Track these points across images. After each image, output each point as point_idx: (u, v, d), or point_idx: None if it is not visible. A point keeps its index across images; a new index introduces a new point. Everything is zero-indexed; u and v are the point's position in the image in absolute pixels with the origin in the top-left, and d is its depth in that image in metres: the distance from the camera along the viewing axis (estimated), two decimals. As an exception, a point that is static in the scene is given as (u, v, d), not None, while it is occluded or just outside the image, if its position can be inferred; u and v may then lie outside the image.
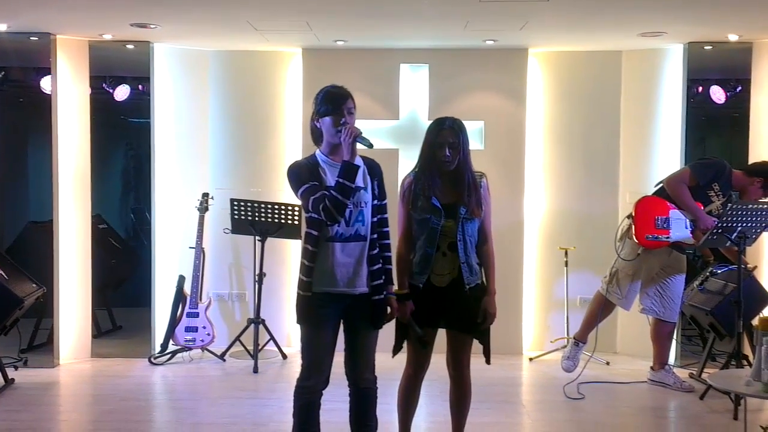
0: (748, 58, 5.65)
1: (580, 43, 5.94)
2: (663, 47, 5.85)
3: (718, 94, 5.92)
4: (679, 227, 4.92)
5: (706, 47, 5.66)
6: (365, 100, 5.96)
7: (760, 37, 5.53)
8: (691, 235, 4.91)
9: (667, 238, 4.92)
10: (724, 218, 4.71)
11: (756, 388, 3.22)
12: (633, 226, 5.03)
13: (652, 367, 5.16)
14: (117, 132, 7.28)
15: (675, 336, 5.61)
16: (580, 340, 5.17)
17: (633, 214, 5.02)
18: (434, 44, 5.96)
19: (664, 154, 5.82)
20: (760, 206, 4.83)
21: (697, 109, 5.83)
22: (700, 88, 5.89)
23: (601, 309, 5.13)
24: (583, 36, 5.67)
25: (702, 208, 4.92)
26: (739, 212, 4.72)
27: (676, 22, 5.11)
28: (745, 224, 4.72)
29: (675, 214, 4.93)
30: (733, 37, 5.48)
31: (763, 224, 4.83)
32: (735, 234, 4.73)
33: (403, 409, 3.63)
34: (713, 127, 6.39)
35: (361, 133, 3.22)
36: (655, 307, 5.04)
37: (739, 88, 5.85)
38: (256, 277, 5.66)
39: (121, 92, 6.13)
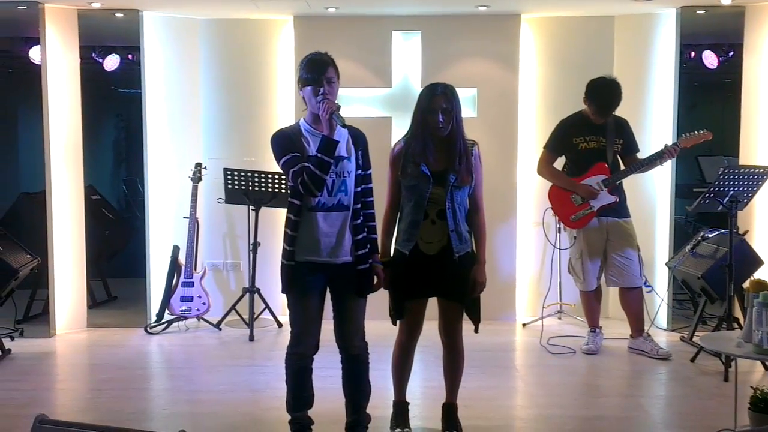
0: (741, 23, 5.63)
1: (572, 9, 5.91)
2: (656, 12, 5.82)
3: (710, 59, 5.90)
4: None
5: (698, 11, 5.63)
6: (357, 68, 5.95)
7: (752, 0, 5.51)
8: (611, 194, 4.94)
9: (591, 209, 4.96)
10: (717, 182, 4.74)
11: (746, 350, 3.26)
12: (556, 217, 5.20)
13: (631, 335, 5.20)
14: (107, 103, 7.23)
15: (668, 301, 5.69)
16: (594, 327, 5.20)
17: (551, 206, 5.13)
18: (426, 11, 5.92)
19: (657, 120, 5.83)
20: (752, 170, 4.85)
21: (689, 74, 5.81)
22: (693, 54, 5.88)
23: (589, 300, 5.17)
24: (576, 1, 5.64)
25: (605, 162, 4.93)
26: (731, 176, 4.75)
27: (669, -14, 5.09)
28: (737, 188, 4.75)
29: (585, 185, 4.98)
30: (725, 1, 5.45)
31: (755, 188, 4.86)
32: (727, 198, 4.76)
33: (397, 374, 3.67)
34: (706, 92, 6.39)
35: (338, 108, 3.20)
36: (614, 278, 5.07)
37: (732, 53, 5.84)
38: (251, 247, 5.68)
39: (111, 62, 6.07)
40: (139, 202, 6.11)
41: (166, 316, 5.80)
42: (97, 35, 6.00)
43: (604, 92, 4.94)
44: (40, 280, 5.68)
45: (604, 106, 4.94)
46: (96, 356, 5.26)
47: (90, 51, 5.99)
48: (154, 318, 5.83)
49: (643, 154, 5.13)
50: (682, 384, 4.58)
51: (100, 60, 6.05)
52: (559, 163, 5.23)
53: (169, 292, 5.80)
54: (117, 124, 7.68)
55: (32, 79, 5.56)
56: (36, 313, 5.82)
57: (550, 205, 5.18)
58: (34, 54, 5.60)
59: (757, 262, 5.16)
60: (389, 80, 6.04)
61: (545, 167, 5.13)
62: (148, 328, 5.73)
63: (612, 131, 4.99)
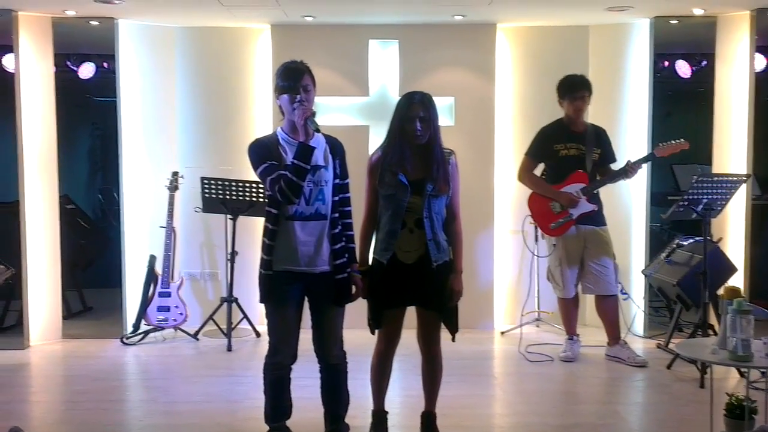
0: (713, 32, 5.71)
1: (547, 18, 5.96)
2: (629, 22, 5.89)
3: (683, 68, 6.00)
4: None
5: (672, 22, 5.70)
6: (335, 76, 5.96)
7: (724, 11, 5.59)
8: (589, 202, 5.00)
9: (570, 217, 5.01)
10: (691, 190, 4.79)
11: (721, 356, 3.29)
12: (536, 225, 5.25)
13: (608, 343, 5.24)
14: (82, 111, 7.15)
15: (644, 308, 5.73)
16: (571, 335, 5.24)
17: (530, 214, 5.18)
18: (403, 20, 5.94)
19: (631, 128, 5.89)
20: (726, 178, 4.92)
21: (663, 83, 5.88)
22: (666, 63, 5.96)
23: (567, 307, 5.21)
24: (551, 11, 5.69)
25: (584, 171, 4.99)
26: (705, 184, 4.80)
27: (642, -4, 5.15)
28: (710, 196, 4.81)
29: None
30: (698, 12, 5.54)
31: (728, 196, 4.92)
32: (701, 206, 4.81)
33: (376, 383, 3.66)
34: (679, 101, 6.46)
35: (314, 114, 3.21)
36: (590, 286, 5.11)
37: (704, 62, 5.92)
38: (229, 256, 5.65)
39: (86, 70, 6.03)
40: (115, 211, 6.05)
41: (143, 327, 5.75)
42: (72, 43, 5.96)
43: (570, 78, 5.11)
44: (14, 290, 5.61)
45: (574, 86, 5.05)
46: (71, 368, 5.19)
47: (65, 59, 5.95)
48: (130, 329, 5.77)
49: (619, 162, 5.18)
50: (659, 391, 4.61)
51: (75, 68, 6.00)
52: (538, 171, 5.27)
53: (145, 302, 5.75)
54: (92, 133, 7.60)
55: (6, 87, 5.49)
56: (10, 324, 5.74)
57: (530, 213, 5.21)
58: (8, 62, 5.54)
59: (730, 269, 5.22)
60: (366, 89, 6.04)
61: (526, 174, 5.17)
62: (124, 339, 5.67)
63: (591, 140, 5.06)
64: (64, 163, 5.96)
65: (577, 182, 5.00)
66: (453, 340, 3.57)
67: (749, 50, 5.52)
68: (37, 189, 5.64)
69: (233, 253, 5.63)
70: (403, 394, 4.39)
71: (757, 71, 5.55)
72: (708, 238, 4.87)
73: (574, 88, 5.06)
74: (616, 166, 5.16)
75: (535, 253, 5.60)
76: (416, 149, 3.44)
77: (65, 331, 5.83)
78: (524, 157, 5.21)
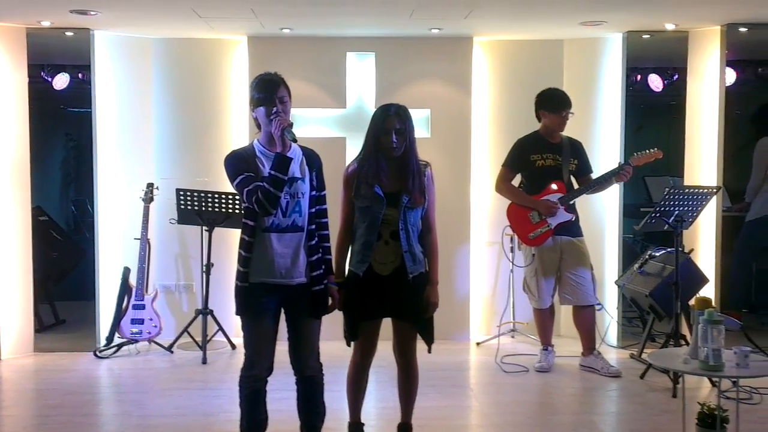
0: (685, 47, 5.81)
1: (523, 32, 6.03)
2: (603, 36, 5.98)
3: (656, 82, 6.09)
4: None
5: (644, 36, 5.80)
6: (312, 88, 5.97)
7: (695, 26, 5.70)
8: (567, 212, 5.05)
9: (548, 226, 5.06)
10: (662, 202, 4.86)
11: (693, 366, 3.33)
12: (515, 235, 5.28)
13: (582, 353, 5.28)
14: (56, 122, 7.09)
15: (617, 319, 5.79)
16: (546, 345, 5.27)
17: (509, 224, 5.22)
18: (380, 32, 5.98)
19: (605, 141, 5.96)
20: (697, 190, 4.99)
21: (635, 97, 5.97)
22: (639, 77, 6.05)
23: (543, 318, 5.24)
24: (526, 25, 5.76)
25: (561, 181, 5.05)
26: (677, 196, 4.87)
27: (615, 11, 5.23)
28: (682, 208, 4.88)
29: None
30: (669, 27, 5.64)
31: (699, 208, 4.99)
32: (672, 217, 4.87)
33: (352, 395, 3.66)
34: (651, 114, 6.56)
35: (290, 125, 3.22)
36: (568, 296, 5.16)
37: (676, 76, 6.02)
38: (204, 268, 5.62)
39: (61, 81, 5.98)
40: (89, 223, 5.99)
41: (116, 340, 5.69)
42: (47, 54, 5.91)
43: (553, 93, 5.15)
44: (-16, 303, 5.53)
45: (562, 102, 5.09)
46: (43, 381, 5.13)
47: (39, 69, 5.89)
48: (103, 341, 5.71)
49: (595, 173, 5.24)
50: (632, 400, 4.65)
51: (50, 79, 5.95)
52: (515, 183, 5.31)
53: (119, 314, 5.69)
54: (66, 144, 7.53)
55: (-22, 97, 5.44)
56: (-20, 338, 5.65)
57: (509, 223, 5.24)
58: (-19, 72, 5.49)
59: (702, 280, 5.29)
60: (343, 101, 6.06)
61: (504, 184, 5.21)
62: (98, 352, 5.61)
63: (567, 151, 5.12)
64: (37, 174, 5.89)
65: (555, 192, 5.05)
66: (429, 351, 3.58)
67: (720, 64, 5.63)
68: (8, 200, 5.58)
69: (209, 265, 5.60)
70: (380, 405, 4.39)
71: (727, 85, 5.65)
72: (680, 249, 4.94)
73: (562, 105, 5.09)
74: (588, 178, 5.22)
75: (515, 263, 5.60)
76: (392, 161, 3.45)
77: (37, 345, 5.76)
78: (501, 168, 5.25)
